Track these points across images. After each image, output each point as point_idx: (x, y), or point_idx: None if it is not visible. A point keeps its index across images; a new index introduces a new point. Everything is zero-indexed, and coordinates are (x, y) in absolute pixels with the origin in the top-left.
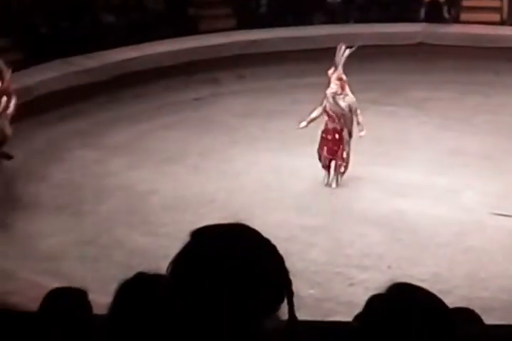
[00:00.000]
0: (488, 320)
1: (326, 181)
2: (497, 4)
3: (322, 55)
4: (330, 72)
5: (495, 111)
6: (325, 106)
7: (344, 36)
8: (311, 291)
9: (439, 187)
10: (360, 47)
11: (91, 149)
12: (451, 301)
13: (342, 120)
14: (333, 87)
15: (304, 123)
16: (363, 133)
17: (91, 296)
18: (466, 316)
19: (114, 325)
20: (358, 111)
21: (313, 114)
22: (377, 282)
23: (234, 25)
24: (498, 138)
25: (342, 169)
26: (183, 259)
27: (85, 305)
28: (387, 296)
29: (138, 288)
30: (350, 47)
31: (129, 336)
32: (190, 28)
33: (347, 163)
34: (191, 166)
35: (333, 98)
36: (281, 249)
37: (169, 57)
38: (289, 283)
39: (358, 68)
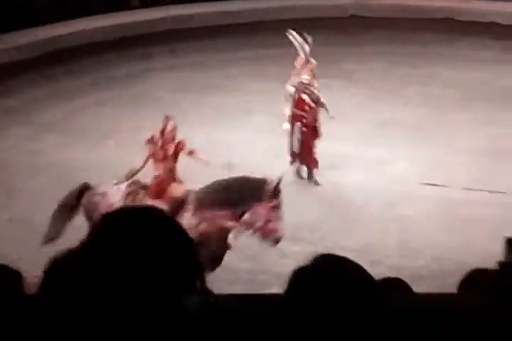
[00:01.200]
0: (418, 289)
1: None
2: None
3: (255, 29)
4: (299, 62)
5: (424, 83)
6: (302, 99)
7: (274, 9)
8: (245, 264)
9: (370, 159)
10: (292, 21)
11: (23, 127)
12: (381, 271)
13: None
14: (307, 77)
15: (287, 124)
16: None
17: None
18: (395, 286)
19: (41, 304)
20: (323, 101)
21: (288, 112)
22: (309, 254)
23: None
24: (427, 109)
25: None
26: (93, 240)
27: (18, 284)
28: (311, 268)
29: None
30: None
31: (56, 316)
32: (123, 4)
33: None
34: (125, 142)
35: (307, 88)
36: None
37: (101, 33)
38: (197, 259)
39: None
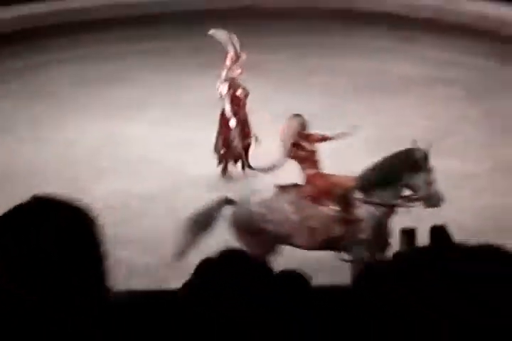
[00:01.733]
0: None
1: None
2: None
3: (152, 21)
4: (229, 59)
5: (328, 73)
6: (236, 95)
7: (174, 2)
8: (146, 259)
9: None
10: (190, 12)
11: None
12: None
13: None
14: (238, 71)
15: (233, 122)
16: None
17: None
18: (293, 278)
19: None
20: None
21: (227, 107)
22: (210, 247)
23: None
24: (333, 99)
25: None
26: None
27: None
28: (215, 261)
29: None
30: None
31: None
32: None
33: None
34: (21, 137)
35: (239, 83)
36: (116, 218)
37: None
38: (100, 253)
39: (188, 33)
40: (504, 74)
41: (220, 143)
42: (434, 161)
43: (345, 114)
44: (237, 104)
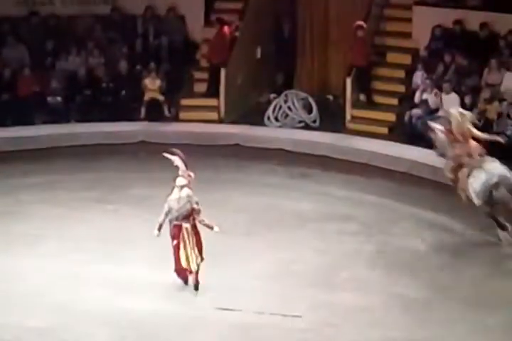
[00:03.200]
0: None
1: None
2: (214, 103)
3: (44, 155)
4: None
5: (214, 207)
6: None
7: (65, 136)
8: None
9: (165, 284)
10: (83, 147)
11: None
12: None
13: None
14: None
15: (156, 232)
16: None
17: None
18: None
19: None
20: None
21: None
22: None
23: None
24: (218, 234)
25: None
26: None
27: None
28: None
29: None
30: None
31: None
32: None
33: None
34: None
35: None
36: None
37: None
38: None
39: (80, 167)
40: (398, 210)
41: None
42: (329, 295)
43: (239, 249)
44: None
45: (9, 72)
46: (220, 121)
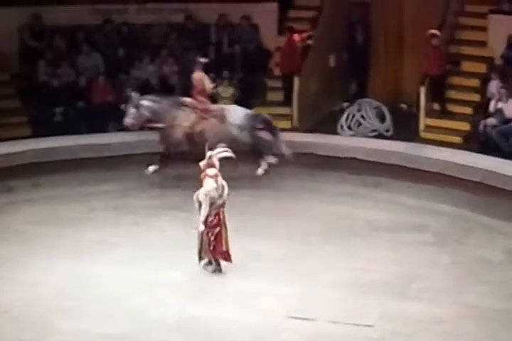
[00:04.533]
0: None
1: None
2: (287, 111)
3: (118, 163)
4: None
5: (289, 216)
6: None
7: (139, 143)
8: None
9: (237, 292)
10: (157, 154)
11: None
12: None
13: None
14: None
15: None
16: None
17: None
18: None
19: None
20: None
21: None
22: None
23: (29, 133)
24: (291, 242)
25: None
26: None
27: None
28: None
29: None
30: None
31: None
32: None
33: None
34: None
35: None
36: None
37: None
38: None
39: (153, 174)
40: (472, 219)
41: None
42: (401, 305)
43: (313, 257)
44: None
45: (84, 80)
46: (293, 129)
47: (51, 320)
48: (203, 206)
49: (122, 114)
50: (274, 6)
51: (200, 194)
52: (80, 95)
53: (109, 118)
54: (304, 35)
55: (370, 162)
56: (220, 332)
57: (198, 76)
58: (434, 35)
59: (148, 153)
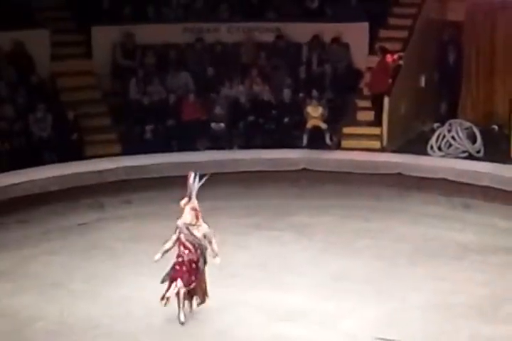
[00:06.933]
0: None
1: (182, 317)
2: (377, 132)
3: (207, 181)
4: (183, 202)
5: (376, 236)
6: (180, 238)
7: (228, 162)
8: None
9: (322, 312)
10: (245, 173)
11: None
12: None
13: (198, 250)
14: (188, 217)
15: (158, 255)
16: (218, 261)
17: None
18: None
19: None
20: (213, 240)
21: (167, 245)
22: None
23: (119, 150)
24: (378, 263)
25: (199, 300)
26: None
27: None
28: None
29: None
30: (203, 175)
31: None
32: (76, 153)
33: (204, 292)
34: (75, 291)
35: (188, 229)
36: None
37: (54, 183)
38: None
39: (242, 193)
40: None
41: None
42: (491, 328)
43: (400, 278)
44: (188, 250)
45: (174, 97)
46: (383, 149)
47: (139, 338)
48: (213, 241)
49: (211, 133)
50: (366, 25)
51: (204, 230)
52: (170, 113)
53: (199, 136)
54: (396, 55)
55: (460, 183)
56: None
57: None
58: None
59: (238, 172)
